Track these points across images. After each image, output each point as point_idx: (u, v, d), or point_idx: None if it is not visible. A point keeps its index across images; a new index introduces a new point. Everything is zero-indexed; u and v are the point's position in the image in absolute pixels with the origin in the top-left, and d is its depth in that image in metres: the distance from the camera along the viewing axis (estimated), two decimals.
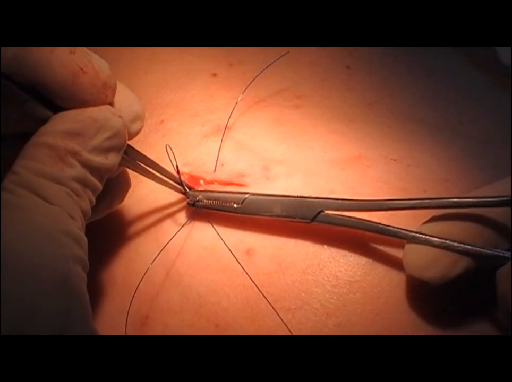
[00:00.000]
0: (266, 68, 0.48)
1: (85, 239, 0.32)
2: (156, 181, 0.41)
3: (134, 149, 0.38)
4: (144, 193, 0.44)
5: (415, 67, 0.53)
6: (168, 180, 0.41)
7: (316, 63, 0.51)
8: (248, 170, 0.43)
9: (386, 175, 0.43)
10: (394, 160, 0.44)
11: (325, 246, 0.40)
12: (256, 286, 0.39)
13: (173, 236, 0.41)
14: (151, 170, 0.40)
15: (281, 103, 0.47)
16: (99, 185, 0.34)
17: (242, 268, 0.39)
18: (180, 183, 0.42)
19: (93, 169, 0.33)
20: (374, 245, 0.40)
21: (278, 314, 0.38)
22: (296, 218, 0.40)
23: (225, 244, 0.40)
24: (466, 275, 0.36)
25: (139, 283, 0.40)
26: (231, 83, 0.48)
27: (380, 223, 0.39)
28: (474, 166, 0.45)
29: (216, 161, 0.44)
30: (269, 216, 0.40)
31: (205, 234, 0.41)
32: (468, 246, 0.36)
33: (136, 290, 0.40)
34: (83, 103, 0.33)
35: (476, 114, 0.50)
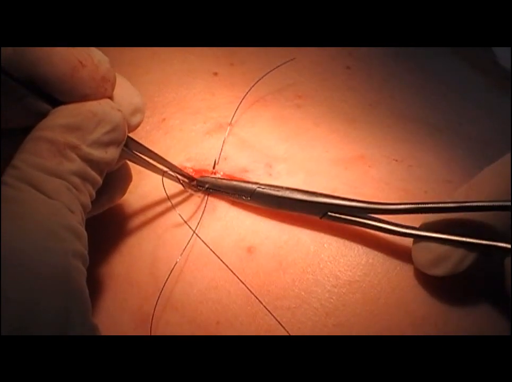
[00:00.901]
0: (272, 70, 0.48)
1: (85, 233, 0.32)
2: (158, 174, 0.41)
3: (135, 141, 0.38)
4: (147, 190, 0.43)
5: (415, 67, 0.53)
6: (170, 171, 0.41)
7: (317, 63, 0.51)
8: (251, 166, 0.43)
9: (387, 176, 0.43)
10: (396, 160, 0.44)
11: (325, 245, 0.40)
12: (247, 287, 0.39)
13: (190, 239, 0.40)
14: (152, 162, 0.40)
15: (282, 103, 0.48)
16: (99, 179, 0.34)
17: (230, 269, 0.39)
18: (182, 174, 0.42)
19: (92, 163, 0.33)
20: (374, 245, 0.40)
21: (272, 314, 0.38)
22: (305, 214, 0.40)
23: (214, 252, 0.40)
24: (473, 267, 0.36)
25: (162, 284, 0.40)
26: (233, 82, 0.49)
27: (386, 222, 0.39)
28: (474, 167, 0.44)
29: (220, 153, 0.44)
30: (278, 209, 0.41)
31: (208, 229, 0.41)
32: (474, 241, 0.36)
33: (161, 291, 0.40)
34: (82, 97, 0.33)
35: (475, 114, 0.50)
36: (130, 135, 0.37)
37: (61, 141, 0.31)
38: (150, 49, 0.50)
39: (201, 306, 0.39)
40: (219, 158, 0.44)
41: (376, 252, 0.39)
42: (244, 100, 0.47)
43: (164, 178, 0.41)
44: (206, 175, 0.43)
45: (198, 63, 0.50)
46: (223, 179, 0.42)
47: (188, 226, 0.41)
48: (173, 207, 0.42)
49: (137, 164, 0.39)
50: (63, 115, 0.32)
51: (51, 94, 0.32)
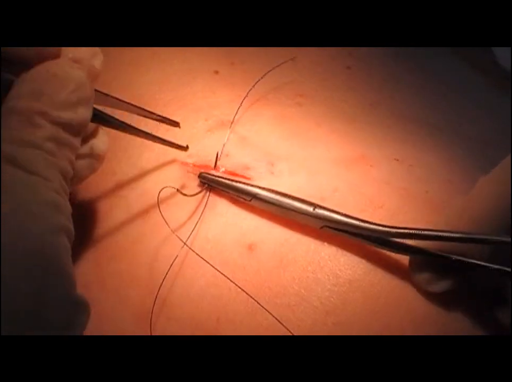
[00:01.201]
0: (273, 68, 0.48)
1: (67, 204, 0.31)
2: (141, 137, 0.40)
3: (106, 94, 0.37)
4: (148, 187, 0.43)
5: (415, 67, 0.53)
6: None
7: (317, 63, 0.51)
8: (253, 163, 0.43)
9: (388, 175, 0.43)
10: (397, 160, 0.44)
11: (326, 244, 0.40)
12: (238, 286, 0.39)
13: (191, 233, 0.40)
14: (134, 125, 0.40)
15: (283, 102, 0.48)
16: (75, 143, 0.33)
17: (219, 271, 0.39)
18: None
19: (64, 126, 0.32)
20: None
21: (271, 313, 0.38)
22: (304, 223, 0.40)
23: (204, 259, 0.39)
24: (468, 284, 0.37)
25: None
26: (233, 81, 0.48)
27: (383, 239, 0.39)
28: (474, 167, 0.45)
29: (222, 150, 0.44)
30: (277, 214, 0.40)
31: (209, 225, 0.41)
32: (470, 261, 0.36)
33: (160, 287, 0.39)
34: (39, 53, 0.32)
35: (475, 114, 0.50)
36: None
37: (28, 109, 0.31)
38: (150, 49, 0.50)
39: (202, 303, 0.39)
40: (221, 154, 0.44)
41: (376, 251, 0.39)
42: (245, 99, 0.46)
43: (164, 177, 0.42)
44: (208, 171, 0.43)
45: (198, 63, 0.50)
46: (225, 178, 0.42)
47: (178, 237, 0.40)
48: (162, 216, 0.41)
49: (118, 129, 0.39)
50: (25, 82, 0.32)
51: (12, 60, 0.32)
